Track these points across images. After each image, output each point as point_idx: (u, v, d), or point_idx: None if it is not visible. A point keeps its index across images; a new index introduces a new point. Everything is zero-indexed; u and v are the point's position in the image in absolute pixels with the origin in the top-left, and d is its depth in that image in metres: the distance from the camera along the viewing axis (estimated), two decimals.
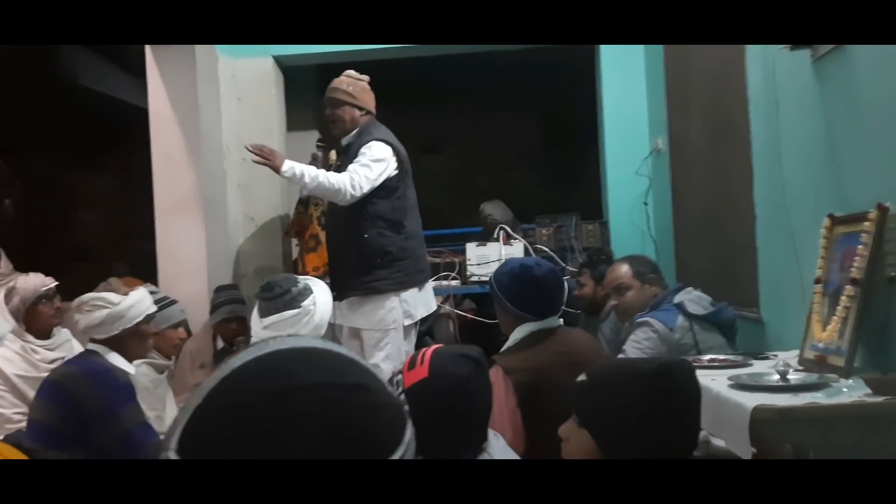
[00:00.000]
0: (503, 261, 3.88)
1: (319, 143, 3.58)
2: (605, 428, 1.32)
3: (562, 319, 2.39)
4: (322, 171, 3.10)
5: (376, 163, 3.12)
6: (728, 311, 2.72)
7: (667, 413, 1.28)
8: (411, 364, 1.66)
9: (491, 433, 1.79)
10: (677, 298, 2.74)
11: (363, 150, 3.15)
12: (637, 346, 2.64)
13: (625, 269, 2.94)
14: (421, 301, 3.29)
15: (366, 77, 3.36)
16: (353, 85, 3.30)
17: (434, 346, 1.70)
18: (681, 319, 2.66)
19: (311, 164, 3.72)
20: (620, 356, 2.73)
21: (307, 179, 3.03)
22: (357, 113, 3.28)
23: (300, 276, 2.23)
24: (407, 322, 3.20)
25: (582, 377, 1.40)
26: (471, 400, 1.62)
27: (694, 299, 2.74)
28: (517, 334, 2.28)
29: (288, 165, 3.04)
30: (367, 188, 3.09)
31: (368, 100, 3.33)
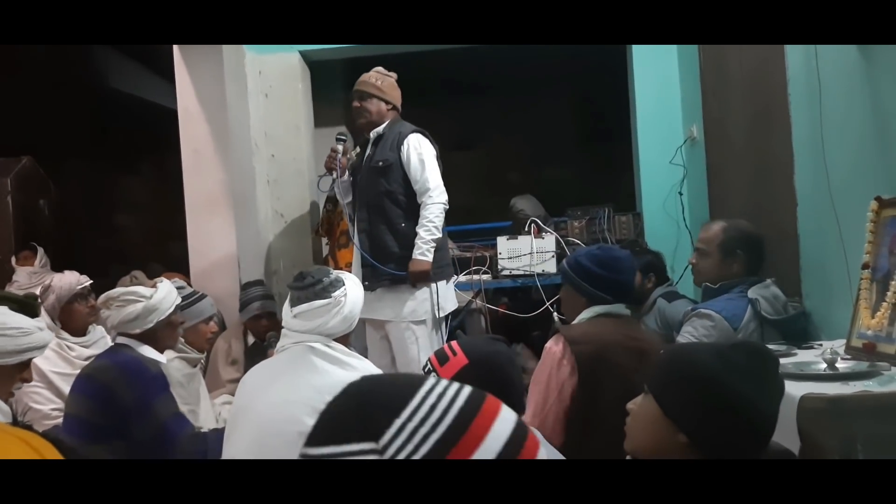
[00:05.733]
0: (534, 254, 3.86)
1: (339, 137, 3.59)
2: (670, 393, 1.28)
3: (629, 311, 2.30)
4: (427, 223, 3.19)
5: (431, 158, 3.28)
6: (801, 319, 2.53)
7: (735, 391, 1.23)
8: (441, 360, 1.65)
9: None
10: (752, 293, 2.52)
11: (411, 154, 3.24)
12: (693, 338, 2.49)
13: (714, 233, 2.68)
14: (449, 294, 3.33)
15: (393, 74, 3.46)
16: (382, 80, 3.41)
17: (453, 341, 1.72)
18: (748, 318, 2.47)
19: (329, 158, 3.66)
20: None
21: (435, 235, 3.18)
22: (384, 106, 3.39)
23: (333, 269, 2.21)
24: (438, 315, 3.23)
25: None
26: (514, 373, 1.66)
27: (769, 298, 2.52)
28: (585, 314, 2.21)
29: (422, 255, 3.16)
30: (442, 186, 3.26)
31: (395, 95, 3.43)
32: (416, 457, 0.72)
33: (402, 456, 0.72)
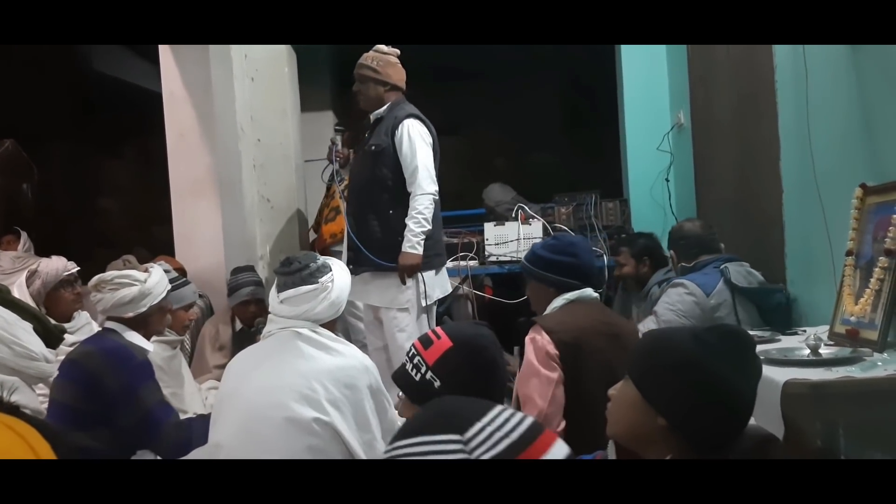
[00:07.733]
0: (521, 240, 3.87)
1: (337, 128, 3.58)
2: (649, 377, 1.29)
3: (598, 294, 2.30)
4: (417, 215, 3.11)
5: (422, 146, 3.16)
6: (777, 295, 2.57)
7: (712, 372, 1.25)
8: (426, 344, 1.66)
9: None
10: (724, 266, 2.66)
11: (403, 140, 3.15)
12: (670, 307, 2.56)
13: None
14: (437, 283, 3.27)
15: (394, 51, 3.33)
16: (378, 60, 3.29)
17: (438, 326, 1.75)
18: (720, 286, 2.58)
19: (329, 149, 3.66)
20: (651, 317, 2.67)
21: (425, 227, 3.10)
22: (381, 89, 3.28)
23: (320, 255, 2.21)
24: (423, 303, 3.18)
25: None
26: (497, 354, 1.68)
27: (741, 272, 2.63)
28: (556, 303, 2.20)
29: (412, 248, 3.09)
30: (434, 176, 3.16)
31: (393, 74, 3.30)
32: (493, 452, 0.87)
33: (481, 450, 0.87)
